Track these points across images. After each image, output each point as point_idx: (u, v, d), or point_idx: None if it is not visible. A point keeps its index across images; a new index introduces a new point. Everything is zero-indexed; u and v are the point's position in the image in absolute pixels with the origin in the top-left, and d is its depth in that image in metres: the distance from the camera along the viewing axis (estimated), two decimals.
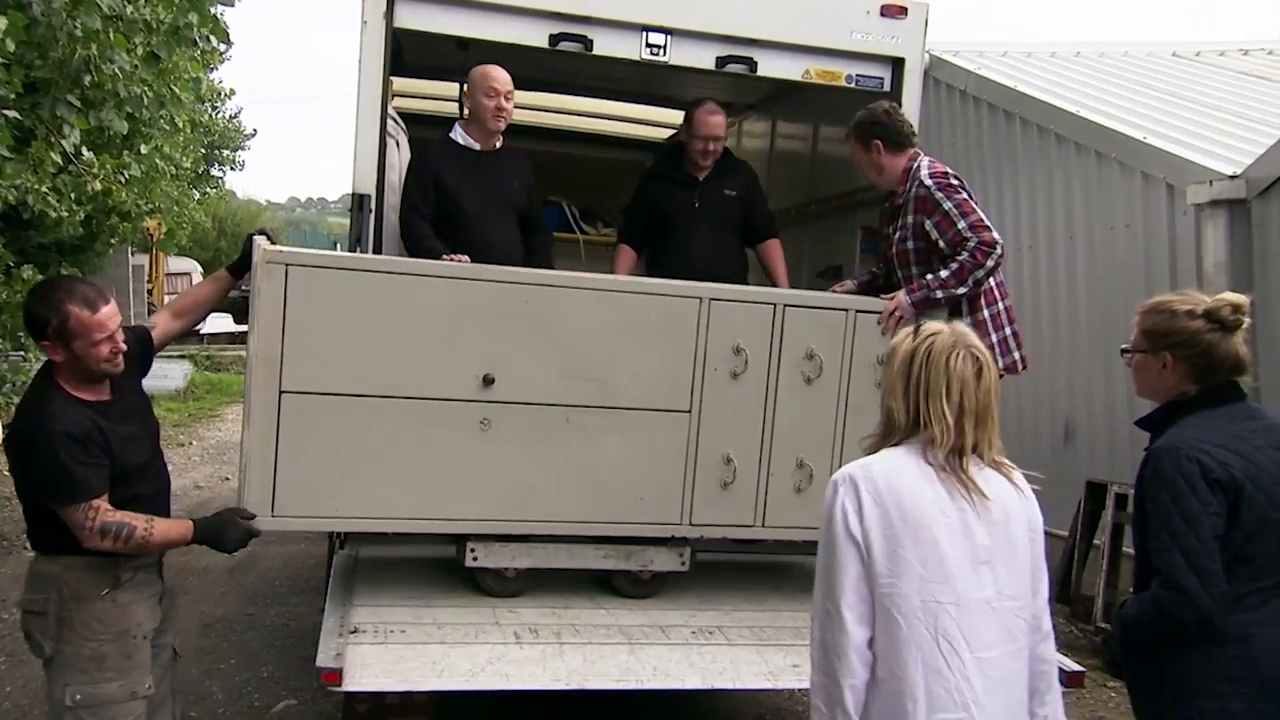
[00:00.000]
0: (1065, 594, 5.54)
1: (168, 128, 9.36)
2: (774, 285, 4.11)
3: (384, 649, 2.68)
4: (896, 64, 3.99)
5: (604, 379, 3.03)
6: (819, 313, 3.20)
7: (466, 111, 3.77)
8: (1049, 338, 6.17)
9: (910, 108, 4.05)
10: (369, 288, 2.86)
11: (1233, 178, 4.92)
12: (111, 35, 5.56)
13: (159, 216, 10.96)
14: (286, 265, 2.79)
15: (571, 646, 2.80)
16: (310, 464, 2.83)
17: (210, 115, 15.64)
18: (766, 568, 3.65)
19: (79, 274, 7.33)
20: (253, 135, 20.52)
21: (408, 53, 4.36)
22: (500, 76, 3.67)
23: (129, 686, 2.50)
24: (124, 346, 2.51)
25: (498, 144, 3.77)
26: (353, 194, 3.64)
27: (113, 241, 9.88)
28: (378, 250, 3.67)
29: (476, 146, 3.74)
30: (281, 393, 2.80)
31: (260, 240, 2.85)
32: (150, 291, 15.97)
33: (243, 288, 3.04)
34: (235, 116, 19.58)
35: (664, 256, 4.04)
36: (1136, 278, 5.51)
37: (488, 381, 2.93)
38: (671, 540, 3.22)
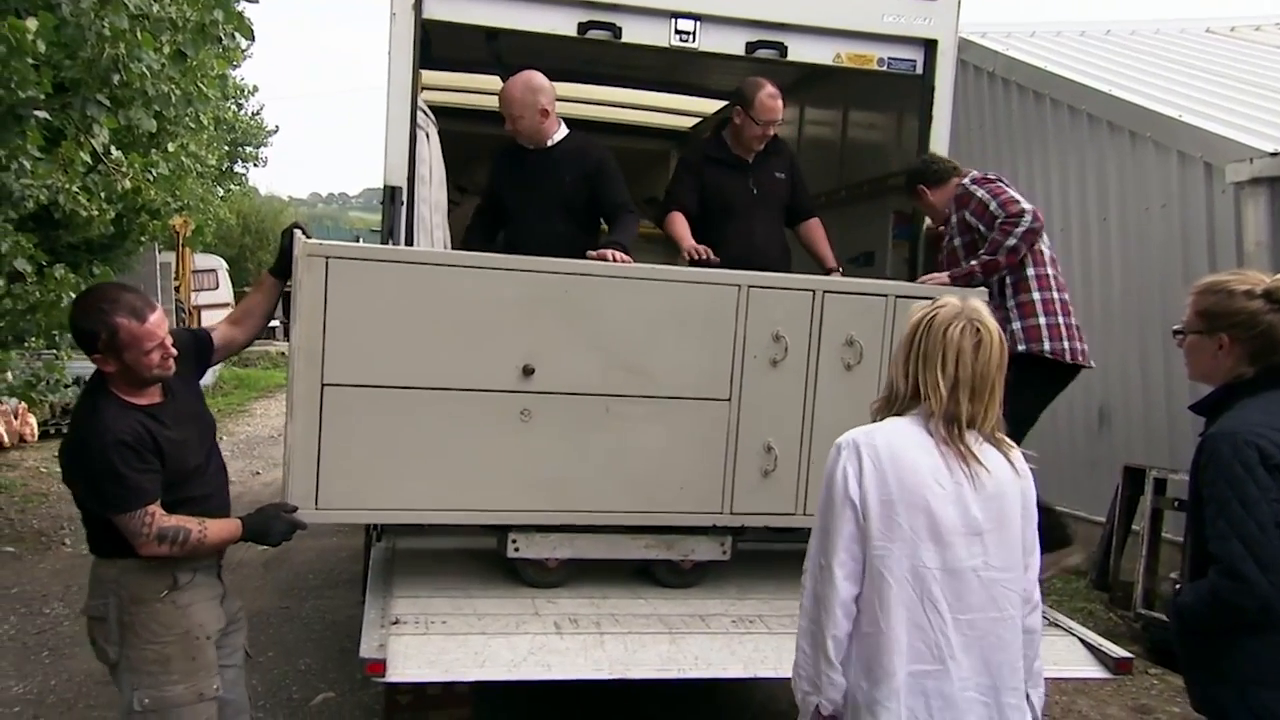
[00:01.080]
0: (1104, 580, 5.47)
1: (193, 126, 9.46)
2: (821, 264, 4.03)
3: (426, 640, 2.68)
4: (929, 46, 3.93)
5: (644, 368, 3.01)
6: (859, 299, 3.17)
7: None
8: (1082, 321, 6.07)
9: (944, 90, 4.00)
10: (409, 280, 2.86)
11: (1274, 155, 4.82)
12: (139, 34, 5.60)
13: (186, 214, 11.06)
14: (327, 258, 2.79)
15: (612, 636, 2.79)
16: (353, 456, 2.84)
17: (234, 113, 15.76)
18: (803, 556, 3.62)
19: (110, 273, 7.39)
20: (275, 132, 20.67)
21: (436, 45, 4.36)
22: (501, 98, 3.66)
23: (195, 688, 2.49)
24: (174, 351, 2.49)
25: (550, 141, 3.72)
26: (384, 186, 3.64)
27: (142, 239, 9.99)
28: (409, 242, 3.69)
29: (529, 145, 3.74)
30: (324, 385, 2.80)
31: (297, 234, 2.84)
32: (178, 289, 16.14)
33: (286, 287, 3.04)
34: (258, 114, 19.72)
35: (724, 244, 3.83)
36: (1173, 259, 5.42)
37: (528, 372, 2.92)
38: (713, 529, 3.20)
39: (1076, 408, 6.25)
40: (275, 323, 22.37)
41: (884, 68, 3.95)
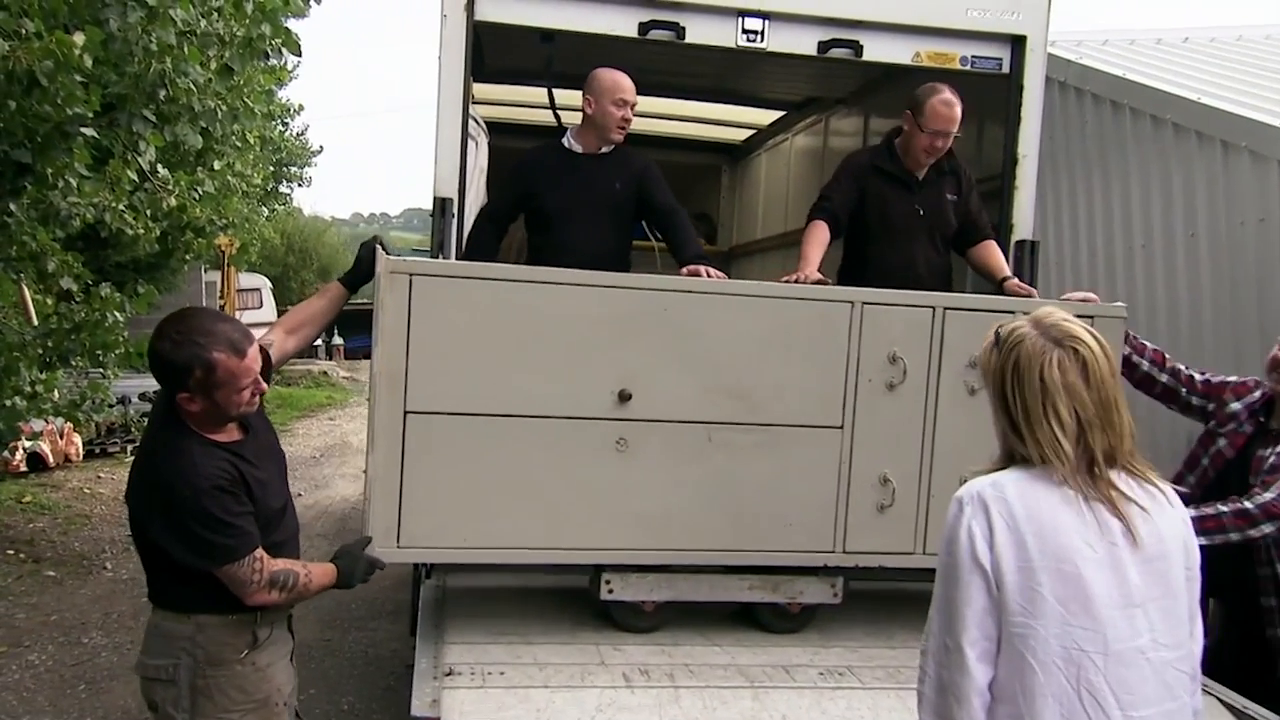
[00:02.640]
0: None
1: (239, 145, 9.45)
2: (991, 279, 3.56)
3: (483, 694, 2.42)
4: (1017, 43, 3.66)
5: (749, 393, 2.76)
6: (983, 316, 2.86)
7: (587, 116, 3.47)
8: (1167, 343, 5.66)
9: (1034, 90, 3.72)
10: (498, 298, 2.64)
11: None
12: (186, 49, 5.52)
13: (231, 233, 11.06)
14: (411, 275, 2.58)
15: (688, 690, 2.51)
16: (438, 490, 2.62)
17: (279, 132, 15.87)
18: (881, 596, 3.31)
19: (155, 291, 7.32)
20: (319, 152, 20.85)
21: (488, 53, 4.17)
22: (630, 85, 3.42)
23: None
24: (265, 387, 2.27)
25: (604, 149, 3.51)
26: (434, 198, 3.46)
27: (187, 258, 9.98)
28: (459, 257, 3.48)
29: (579, 149, 3.51)
30: (406, 413, 2.59)
31: (379, 250, 2.67)
32: (222, 307, 16.25)
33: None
34: (302, 134, 19.90)
35: (881, 270, 3.45)
36: (1273, 276, 5.03)
37: (624, 398, 2.68)
38: (823, 570, 2.92)
39: (1162, 435, 5.84)
40: (318, 341, 22.49)
41: (967, 67, 3.69)
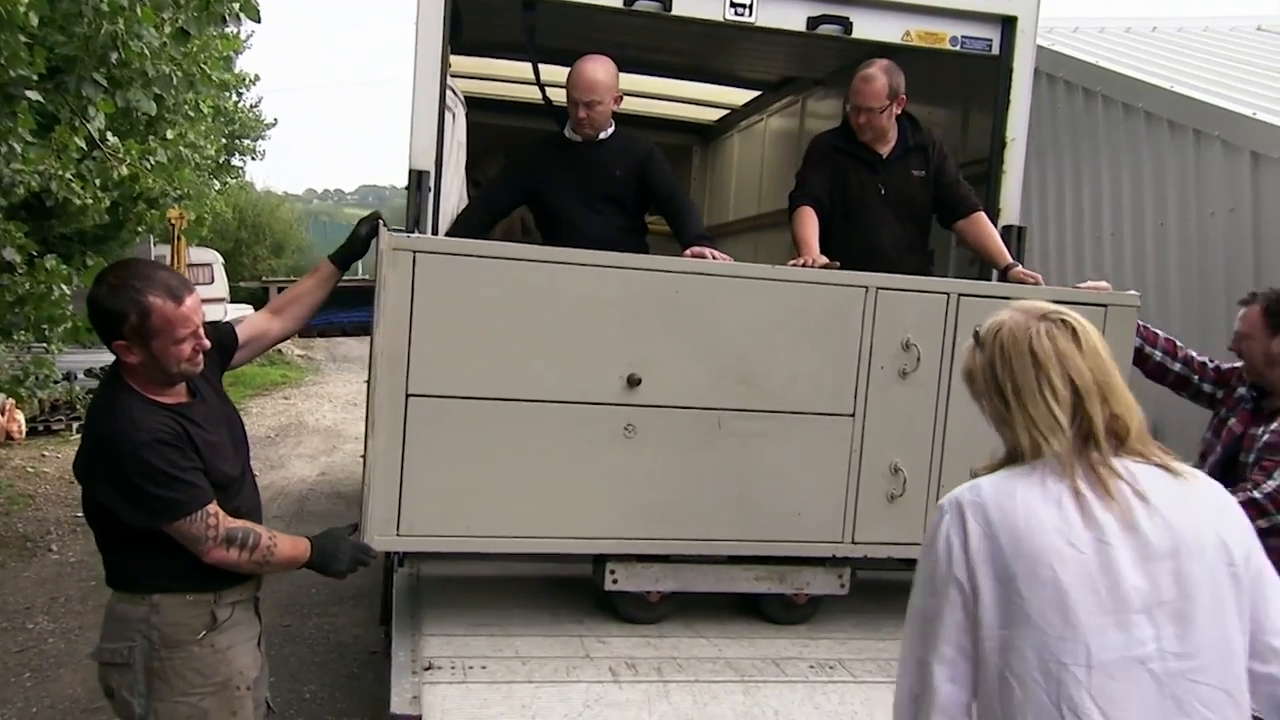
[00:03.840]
0: None
1: (191, 114, 9.10)
2: (993, 266, 3.51)
3: (465, 690, 2.33)
4: (1007, 23, 3.61)
5: (759, 379, 2.69)
6: (998, 304, 2.81)
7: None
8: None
9: (1023, 73, 3.69)
10: (504, 278, 2.54)
11: None
12: (139, 10, 5.26)
13: (183, 206, 10.68)
14: (414, 253, 2.47)
15: (677, 685, 2.44)
16: (440, 477, 2.53)
17: (233, 103, 15.37)
18: (868, 588, 3.27)
19: (103, 264, 7.02)
20: (273, 125, 20.29)
21: (467, 23, 4.02)
22: (587, 82, 3.27)
23: None
24: (207, 344, 2.19)
25: (602, 135, 3.40)
26: (410, 171, 3.31)
27: (139, 230, 9.62)
28: (435, 231, 3.36)
29: (577, 139, 3.41)
30: (408, 396, 2.49)
31: (381, 227, 2.57)
32: None
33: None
34: (256, 105, 19.34)
35: (846, 251, 3.32)
36: (1241, 267, 5.07)
37: (633, 383, 2.60)
38: (831, 560, 2.86)
39: None
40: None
41: (957, 47, 3.62)
